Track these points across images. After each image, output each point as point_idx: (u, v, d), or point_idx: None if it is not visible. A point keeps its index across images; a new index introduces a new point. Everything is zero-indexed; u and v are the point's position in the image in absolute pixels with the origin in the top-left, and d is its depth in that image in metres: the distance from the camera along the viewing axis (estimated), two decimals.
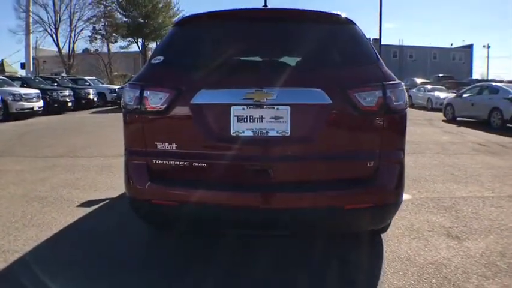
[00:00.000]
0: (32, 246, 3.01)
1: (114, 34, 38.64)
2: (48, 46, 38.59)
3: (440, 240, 3.14)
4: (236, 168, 2.39)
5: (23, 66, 29.72)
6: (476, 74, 58.43)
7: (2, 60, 35.96)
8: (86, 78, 23.48)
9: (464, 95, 14.18)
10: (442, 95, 19.10)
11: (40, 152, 7.09)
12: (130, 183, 2.53)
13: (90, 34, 38.20)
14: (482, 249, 2.97)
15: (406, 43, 58.22)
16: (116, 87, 23.24)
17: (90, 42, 39.08)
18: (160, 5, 38.47)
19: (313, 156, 2.38)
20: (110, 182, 4.93)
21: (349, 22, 2.67)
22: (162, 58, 2.57)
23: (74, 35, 36.53)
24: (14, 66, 35.05)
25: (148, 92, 2.42)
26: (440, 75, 31.97)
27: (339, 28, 2.69)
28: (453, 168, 5.92)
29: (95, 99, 19.55)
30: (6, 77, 16.93)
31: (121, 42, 39.95)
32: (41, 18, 33.94)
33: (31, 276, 2.51)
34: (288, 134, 2.33)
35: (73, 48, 37.03)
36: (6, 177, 5.18)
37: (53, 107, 15.65)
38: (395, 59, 53.57)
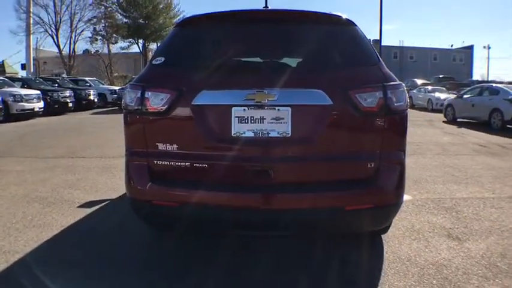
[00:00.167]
0: (33, 247, 3.01)
1: (114, 35, 38.68)
2: (48, 47, 38.73)
3: (441, 241, 3.14)
4: (237, 169, 2.39)
5: (23, 67, 29.77)
6: (477, 75, 58.57)
7: (3, 61, 36.09)
8: (87, 79, 23.50)
9: (465, 96, 14.18)
10: (443, 96, 19.10)
11: (41, 153, 7.09)
12: (131, 184, 2.53)
13: (90, 35, 38.35)
14: (482, 250, 2.97)
15: (406, 44, 58.38)
16: (117, 88, 23.26)
17: (91, 43, 39.23)
18: (161, 6, 38.51)
19: (313, 157, 2.38)
20: (111, 183, 4.93)
21: (349, 23, 2.67)
22: (163, 59, 2.58)
23: (75, 36, 36.65)
24: (14, 67, 35.19)
25: (149, 93, 2.42)
26: (441, 76, 32.00)
27: (339, 29, 2.69)
28: (453, 169, 5.92)
29: (96, 100, 19.56)
30: (6, 77, 16.97)
31: (121, 43, 40.05)
32: (42, 19, 34.07)
33: (32, 277, 2.52)
34: (289, 135, 2.33)
35: (73, 49, 37.13)
36: (7, 178, 5.19)
37: (54, 107, 15.67)
38: (396, 60, 53.64)
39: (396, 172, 2.46)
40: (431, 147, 8.07)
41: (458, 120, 13.91)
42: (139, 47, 39.84)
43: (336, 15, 2.68)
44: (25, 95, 13.78)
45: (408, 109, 2.55)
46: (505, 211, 3.91)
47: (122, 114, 2.61)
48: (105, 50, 39.80)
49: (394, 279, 2.53)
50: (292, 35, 2.69)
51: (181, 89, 2.39)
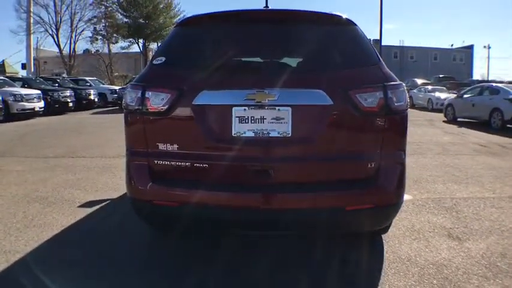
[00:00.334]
0: (33, 246, 3.01)
1: (115, 35, 38.72)
2: (49, 47, 38.81)
3: (441, 241, 3.14)
4: (237, 169, 2.39)
5: (23, 66, 29.80)
6: (477, 75, 58.53)
7: (3, 60, 36.05)
8: (87, 78, 23.52)
9: (465, 96, 14.17)
10: (443, 95, 19.10)
11: (41, 153, 7.10)
12: (132, 184, 2.53)
13: (91, 35, 38.42)
14: (483, 250, 2.97)
15: (406, 44, 58.34)
16: (117, 87, 23.28)
17: (91, 43, 39.28)
18: (161, 6, 38.54)
19: (314, 157, 2.38)
20: (111, 183, 4.93)
21: (350, 23, 2.67)
22: (163, 59, 2.58)
23: (75, 36, 36.73)
24: (14, 67, 35.16)
25: (149, 93, 2.42)
26: (441, 75, 31.98)
27: (340, 29, 2.69)
28: (454, 169, 5.92)
29: (96, 99, 19.57)
30: (7, 77, 16.97)
31: (122, 43, 40.11)
32: (42, 19, 34.15)
33: (32, 277, 2.52)
34: (289, 135, 2.33)
35: (74, 48, 37.21)
36: (8, 178, 5.19)
37: (54, 107, 15.68)
38: (396, 59, 53.61)
39: (396, 172, 2.46)
40: (432, 146, 8.07)
41: (459, 119, 13.91)
42: (139, 47, 39.90)
43: (336, 15, 2.68)
44: (25, 94, 13.79)
45: (408, 109, 2.55)
46: (505, 211, 3.91)
47: (123, 114, 2.62)
48: (106, 50, 39.91)
49: (394, 279, 2.53)
50: (292, 35, 2.69)
51: (182, 88, 2.39)
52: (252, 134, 2.34)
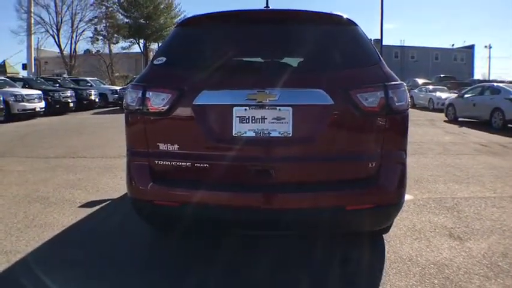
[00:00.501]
0: (34, 246, 3.02)
1: (115, 35, 38.77)
2: (49, 47, 38.84)
3: (442, 241, 3.13)
4: (238, 169, 2.39)
5: (24, 67, 29.86)
6: (478, 75, 58.45)
7: (4, 61, 36.14)
8: (88, 79, 23.53)
9: (466, 96, 14.16)
10: (444, 95, 19.07)
11: (42, 153, 7.10)
12: (133, 184, 2.53)
13: (91, 35, 38.47)
14: (484, 249, 2.96)
15: (407, 43, 58.31)
16: (118, 88, 23.28)
17: (92, 43, 39.33)
18: (162, 6, 38.56)
19: (314, 156, 2.38)
20: (112, 183, 4.94)
21: (350, 23, 2.67)
22: (164, 59, 2.58)
23: (76, 36, 36.75)
24: (15, 67, 35.20)
25: (150, 93, 2.42)
26: (442, 75, 31.92)
27: (340, 29, 2.69)
28: (455, 168, 5.92)
29: (97, 100, 19.58)
30: (8, 77, 16.99)
31: (122, 43, 40.17)
32: (43, 19, 34.17)
33: (33, 277, 2.52)
34: (290, 135, 2.33)
35: (75, 49, 37.24)
36: (9, 178, 5.20)
37: (55, 107, 15.68)
38: (397, 59, 53.56)
39: (397, 172, 2.45)
40: (433, 146, 8.06)
41: (460, 119, 13.89)
42: (140, 47, 39.94)
43: (336, 15, 2.68)
44: (26, 95, 13.80)
45: (409, 109, 2.54)
46: (506, 210, 3.91)
47: (123, 114, 2.62)
48: (106, 50, 39.94)
49: (395, 278, 2.52)
50: (293, 35, 2.69)
51: (183, 89, 2.39)
52: (253, 134, 2.34)
